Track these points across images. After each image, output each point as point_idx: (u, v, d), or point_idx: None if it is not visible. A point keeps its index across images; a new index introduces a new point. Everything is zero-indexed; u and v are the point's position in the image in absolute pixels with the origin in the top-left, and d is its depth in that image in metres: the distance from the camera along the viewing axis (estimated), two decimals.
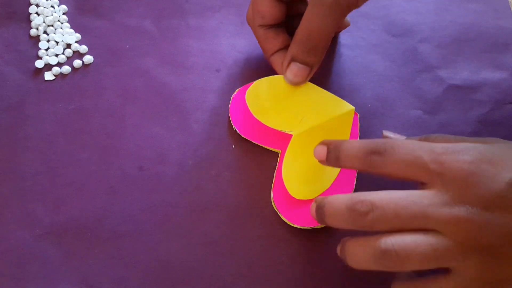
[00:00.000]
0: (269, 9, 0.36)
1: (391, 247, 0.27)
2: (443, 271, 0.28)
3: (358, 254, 0.29)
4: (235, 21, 0.43)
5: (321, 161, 0.33)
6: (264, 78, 0.38)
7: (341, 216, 0.29)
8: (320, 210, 0.31)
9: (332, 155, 0.32)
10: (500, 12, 0.44)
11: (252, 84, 0.38)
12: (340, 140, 0.32)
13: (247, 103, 0.38)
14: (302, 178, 0.36)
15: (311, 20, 0.34)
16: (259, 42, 0.38)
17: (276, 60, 0.38)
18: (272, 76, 0.38)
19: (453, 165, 0.27)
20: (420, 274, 0.29)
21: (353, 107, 0.38)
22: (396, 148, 0.29)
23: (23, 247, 0.35)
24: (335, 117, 0.38)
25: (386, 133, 0.34)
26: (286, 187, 0.36)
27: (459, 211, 0.27)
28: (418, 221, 0.27)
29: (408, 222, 0.28)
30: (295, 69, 0.36)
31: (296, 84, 0.36)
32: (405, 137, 0.33)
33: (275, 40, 0.37)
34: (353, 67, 0.41)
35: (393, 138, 0.33)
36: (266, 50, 0.38)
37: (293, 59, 0.35)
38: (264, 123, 0.37)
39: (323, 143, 0.33)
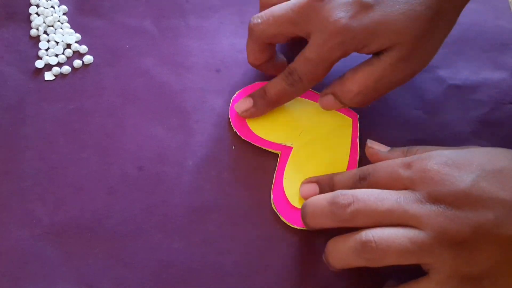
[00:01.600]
0: (259, 55, 0.37)
1: (371, 239, 0.28)
2: (423, 275, 0.29)
3: (339, 250, 0.30)
4: (235, 21, 0.43)
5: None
6: None
7: (322, 211, 0.31)
8: (303, 210, 0.33)
9: (326, 189, 0.34)
10: (500, 12, 0.44)
11: None
12: (329, 175, 0.35)
13: (246, 121, 0.38)
14: None
15: (370, 77, 0.34)
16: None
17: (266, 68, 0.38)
18: None
19: (421, 168, 0.30)
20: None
21: (351, 119, 0.38)
22: (376, 170, 0.32)
23: (23, 247, 0.35)
24: (334, 128, 0.38)
25: (370, 143, 0.35)
26: (288, 198, 0.36)
27: (431, 207, 0.28)
28: (395, 215, 0.29)
29: (386, 216, 0.29)
30: (331, 101, 0.36)
31: (325, 109, 0.37)
32: (388, 148, 0.35)
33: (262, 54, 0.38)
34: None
35: (376, 148, 0.35)
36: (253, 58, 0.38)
37: (333, 94, 0.36)
38: (264, 138, 0.38)
39: (310, 181, 0.36)
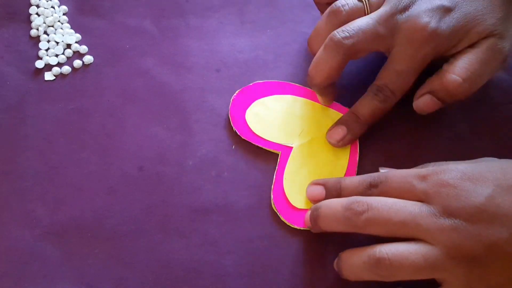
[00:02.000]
0: (336, 72, 0.35)
1: (385, 256, 0.29)
2: (433, 282, 0.29)
3: (353, 264, 0.30)
4: (235, 21, 0.43)
5: (316, 202, 0.34)
6: (262, 99, 0.39)
7: (336, 216, 0.31)
8: (315, 212, 0.32)
9: (333, 193, 0.34)
10: None
11: (252, 104, 0.39)
12: (337, 179, 0.34)
13: (247, 121, 0.38)
14: (303, 189, 0.36)
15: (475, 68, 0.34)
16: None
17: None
18: (270, 96, 0.39)
19: (437, 183, 0.30)
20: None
21: None
22: (389, 179, 0.31)
23: (23, 247, 0.35)
24: None
25: (382, 169, 0.35)
26: (288, 198, 0.36)
27: (445, 221, 0.28)
28: (408, 228, 0.29)
29: (400, 227, 0.29)
30: (428, 100, 0.35)
31: (422, 112, 0.36)
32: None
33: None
34: (353, 67, 0.41)
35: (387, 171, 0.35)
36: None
37: (431, 92, 0.35)
38: (264, 138, 0.38)
39: (317, 183, 0.35)
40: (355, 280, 0.31)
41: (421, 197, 0.30)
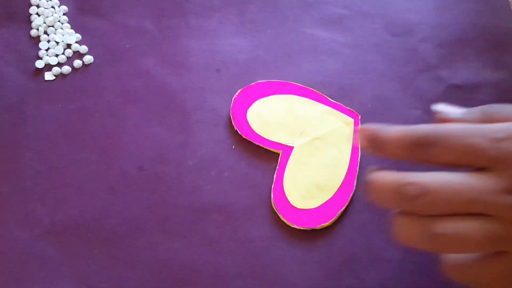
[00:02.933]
0: None
1: (445, 231, 0.25)
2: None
3: (409, 233, 0.26)
4: (235, 21, 0.43)
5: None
6: (264, 98, 0.39)
7: (388, 197, 0.26)
8: (370, 186, 0.27)
9: (372, 144, 0.27)
10: (500, 11, 0.44)
11: (253, 104, 0.39)
12: (375, 132, 0.27)
13: (248, 121, 0.38)
14: (303, 189, 0.36)
15: None
16: None
17: None
18: (271, 96, 0.39)
19: None
20: None
21: (352, 119, 0.38)
22: (449, 138, 0.25)
23: (23, 247, 0.35)
24: (335, 128, 0.38)
25: (438, 107, 0.29)
26: (288, 198, 0.36)
27: None
28: (474, 207, 0.24)
29: (464, 208, 0.25)
30: None
31: None
32: (458, 109, 0.28)
33: None
34: (353, 67, 0.41)
35: (445, 112, 0.28)
36: None
37: None
38: (265, 137, 0.38)
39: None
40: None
41: (491, 164, 0.24)
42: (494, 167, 0.24)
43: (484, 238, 0.25)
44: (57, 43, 0.42)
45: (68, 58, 0.41)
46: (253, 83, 0.40)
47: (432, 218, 0.25)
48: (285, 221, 0.36)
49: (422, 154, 0.25)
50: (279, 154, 0.38)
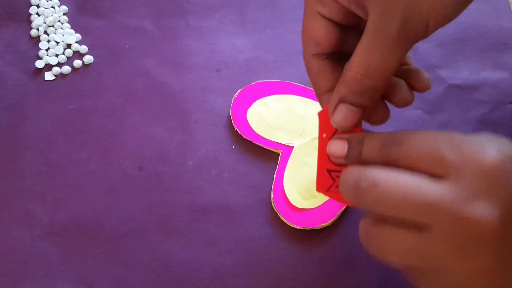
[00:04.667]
0: (324, 34, 0.29)
1: (380, 237, 0.25)
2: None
3: (360, 231, 0.27)
4: (235, 21, 0.43)
5: (337, 158, 0.29)
6: (264, 98, 0.39)
7: (347, 191, 0.26)
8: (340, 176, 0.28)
9: (354, 151, 0.28)
10: (500, 12, 0.44)
11: (253, 104, 0.39)
12: (361, 134, 0.28)
13: (248, 121, 0.38)
14: (303, 189, 0.36)
15: (370, 54, 0.27)
16: (310, 76, 0.31)
17: (328, 101, 0.30)
18: (271, 96, 0.39)
19: (475, 157, 0.23)
20: None
21: None
22: (411, 142, 0.25)
23: (23, 247, 0.35)
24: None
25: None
26: (288, 198, 0.36)
27: (478, 209, 0.23)
28: (420, 214, 0.24)
29: (409, 212, 0.24)
30: (344, 111, 0.29)
31: (345, 128, 0.29)
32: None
33: (331, 75, 0.30)
34: None
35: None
36: (318, 86, 0.31)
37: (342, 100, 0.28)
38: (265, 137, 0.38)
39: (339, 137, 0.29)
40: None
41: (449, 170, 0.24)
42: (450, 174, 0.24)
43: (408, 254, 0.24)
44: (57, 43, 0.42)
45: (68, 58, 0.41)
46: (253, 83, 0.40)
47: (375, 220, 0.25)
48: (285, 221, 0.36)
49: (388, 154, 0.26)
50: (279, 154, 0.38)
